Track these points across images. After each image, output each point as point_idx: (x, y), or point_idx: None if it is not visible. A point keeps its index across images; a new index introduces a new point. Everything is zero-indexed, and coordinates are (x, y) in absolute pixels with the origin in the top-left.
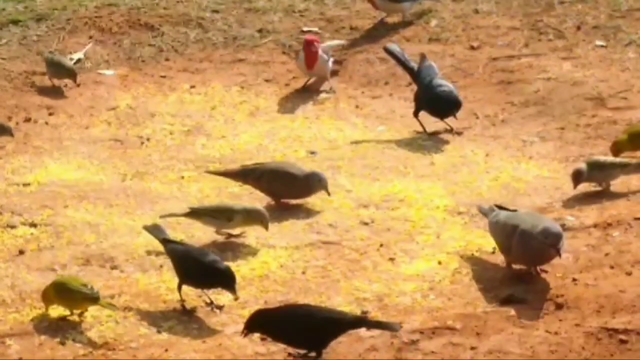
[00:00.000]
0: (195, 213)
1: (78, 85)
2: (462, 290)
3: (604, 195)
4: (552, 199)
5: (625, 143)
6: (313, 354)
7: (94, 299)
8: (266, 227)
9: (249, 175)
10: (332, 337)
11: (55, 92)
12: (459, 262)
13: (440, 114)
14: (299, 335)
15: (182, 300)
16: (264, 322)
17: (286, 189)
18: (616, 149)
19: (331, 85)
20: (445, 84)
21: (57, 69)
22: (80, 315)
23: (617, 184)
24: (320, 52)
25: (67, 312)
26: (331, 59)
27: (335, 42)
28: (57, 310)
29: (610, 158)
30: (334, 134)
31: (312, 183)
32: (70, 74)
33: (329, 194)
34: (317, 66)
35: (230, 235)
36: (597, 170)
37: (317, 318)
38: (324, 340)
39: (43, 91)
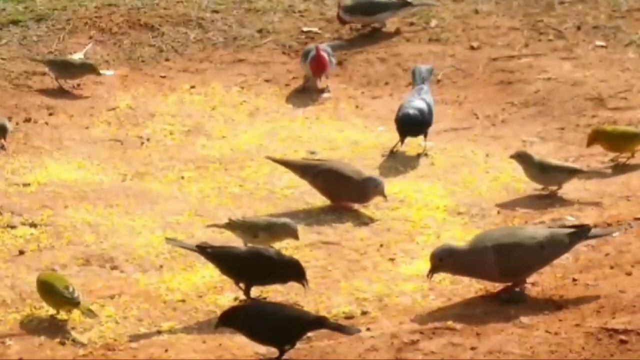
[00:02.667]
0: (231, 225)
1: (78, 85)
2: (462, 290)
3: (604, 195)
4: (552, 199)
5: (604, 136)
6: (280, 354)
7: (73, 304)
8: (296, 238)
9: (307, 171)
10: (296, 335)
11: (56, 92)
12: None
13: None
14: (265, 332)
15: (250, 299)
16: (236, 318)
17: (340, 191)
18: (592, 139)
19: (327, 84)
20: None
21: (77, 69)
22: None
23: (617, 184)
24: (328, 64)
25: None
26: (334, 59)
27: (334, 42)
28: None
29: (560, 162)
30: (334, 134)
31: (367, 188)
32: (91, 68)
33: (385, 198)
34: (324, 73)
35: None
36: (540, 171)
37: (281, 316)
38: (288, 337)
39: (43, 91)
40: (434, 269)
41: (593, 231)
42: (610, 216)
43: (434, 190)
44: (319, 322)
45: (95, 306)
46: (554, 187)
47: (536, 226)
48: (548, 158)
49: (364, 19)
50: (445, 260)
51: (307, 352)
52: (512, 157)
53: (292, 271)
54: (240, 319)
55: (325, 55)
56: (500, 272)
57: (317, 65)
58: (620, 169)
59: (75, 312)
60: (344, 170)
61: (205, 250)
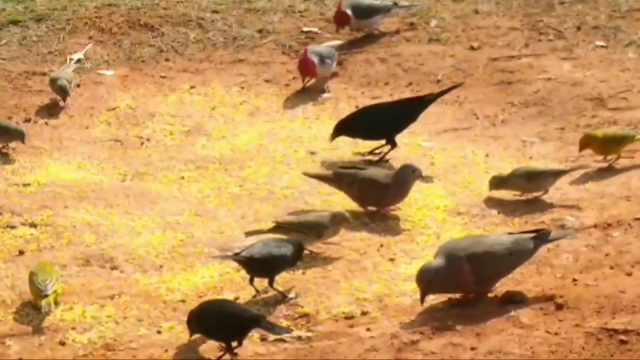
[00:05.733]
0: (283, 228)
1: (78, 86)
2: None
3: (604, 195)
4: (552, 199)
5: (595, 140)
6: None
7: (41, 295)
8: (349, 223)
9: (341, 180)
10: (239, 331)
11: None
12: None
13: None
14: (213, 329)
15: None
16: (191, 320)
17: (376, 198)
18: (584, 144)
19: (327, 84)
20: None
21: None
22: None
23: (617, 184)
24: (317, 69)
25: (70, 313)
26: (335, 62)
27: (334, 42)
28: (57, 310)
29: (542, 166)
30: None
31: (405, 183)
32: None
33: (424, 179)
34: (316, 73)
35: None
36: (525, 179)
37: (224, 313)
38: (232, 333)
39: (43, 92)
40: (425, 292)
41: (552, 234)
42: (610, 216)
43: (434, 190)
44: (255, 320)
45: (95, 306)
46: (541, 192)
47: (499, 233)
48: (531, 164)
49: (360, 22)
50: (434, 280)
51: (307, 352)
52: (491, 190)
53: (301, 252)
54: (194, 320)
55: (312, 58)
56: (475, 281)
57: (302, 68)
58: (619, 169)
59: (75, 312)
60: (378, 178)
61: (240, 257)
